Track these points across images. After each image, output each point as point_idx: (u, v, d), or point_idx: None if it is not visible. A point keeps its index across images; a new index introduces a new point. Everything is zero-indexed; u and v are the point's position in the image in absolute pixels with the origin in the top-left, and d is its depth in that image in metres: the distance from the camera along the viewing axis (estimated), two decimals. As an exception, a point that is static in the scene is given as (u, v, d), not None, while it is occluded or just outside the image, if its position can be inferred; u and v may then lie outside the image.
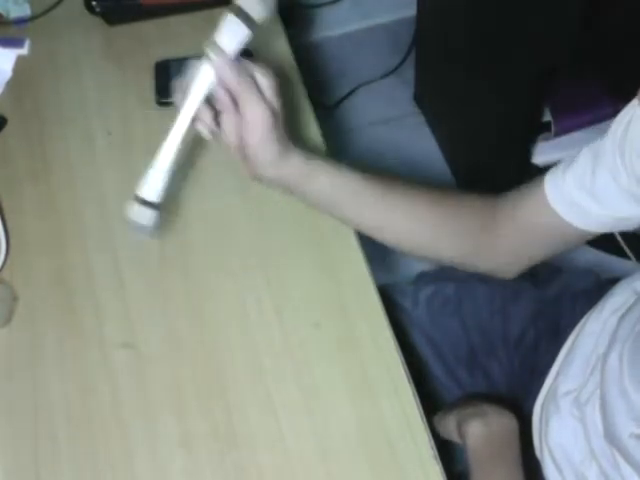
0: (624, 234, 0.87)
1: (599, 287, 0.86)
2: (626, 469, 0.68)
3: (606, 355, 0.74)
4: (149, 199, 0.68)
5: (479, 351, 0.95)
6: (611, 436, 0.70)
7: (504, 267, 0.78)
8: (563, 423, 0.77)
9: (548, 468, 0.78)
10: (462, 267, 0.80)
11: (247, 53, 0.92)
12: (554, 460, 0.77)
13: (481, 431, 0.76)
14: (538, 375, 0.84)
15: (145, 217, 0.68)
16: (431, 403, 0.87)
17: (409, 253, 0.78)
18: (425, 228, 0.75)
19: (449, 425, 0.81)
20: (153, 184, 0.68)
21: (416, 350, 0.94)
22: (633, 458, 0.67)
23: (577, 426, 0.75)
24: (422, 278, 1.01)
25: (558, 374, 0.81)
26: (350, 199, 0.73)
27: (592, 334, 0.79)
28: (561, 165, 0.70)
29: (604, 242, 0.88)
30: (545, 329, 0.90)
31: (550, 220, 0.70)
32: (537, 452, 0.81)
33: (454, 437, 0.81)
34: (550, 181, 0.70)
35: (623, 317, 0.76)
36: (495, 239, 0.75)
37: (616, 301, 0.79)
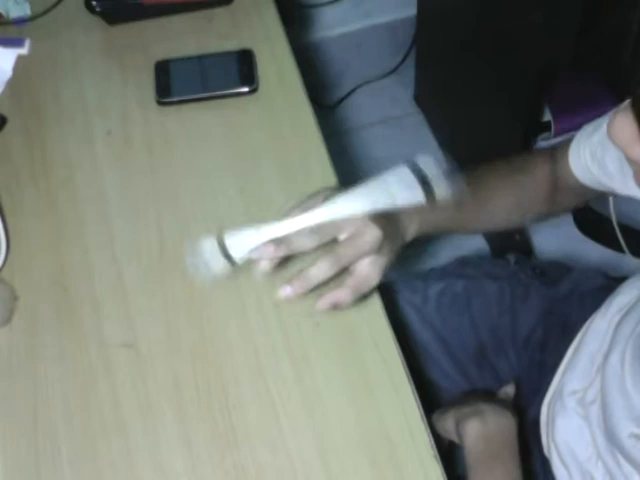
0: (624, 233, 0.87)
1: (608, 286, 0.86)
2: (627, 468, 0.68)
3: (607, 355, 0.74)
4: (234, 254, 0.63)
5: (488, 348, 0.95)
6: (611, 435, 0.70)
7: (578, 204, 0.88)
8: (569, 422, 0.77)
9: (555, 466, 0.78)
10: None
11: (247, 53, 0.92)
12: (561, 458, 0.77)
13: (479, 430, 0.76)
14: (546, 373, 0.84)
15: (218, 265, 0.63)
16: (432, 402, 0.87)
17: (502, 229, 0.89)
18: (515, 209, 0.84)
19: (447, 424, 0.81)
20: (246, 245, 0.63)
21: (424, 346, 0.94)
22: (632, 457, 0.67)
23: (582, 425, 0.75)
24: (431, 274, 1.02)
25: (565, 373, 0.81)
26: (456, 222, 0.81)
27: (598, 333, 0.79)
28: (586, 131, 0.79)
29: (614, 240, 0.90)
30: (554, 327, 0.91)
31: (575, 180, 0.80)
32: (545, 450, 0.81)
33: (452, 436, 0.81)
34: (574, 152, 0.79)
35: (624, 317, 0.76)
36: (560, 194, 0.83)
37: (622, 300, 0.79)
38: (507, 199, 0.83)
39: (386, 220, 0.67)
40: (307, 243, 0.63)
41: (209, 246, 0.63)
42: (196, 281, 0.67)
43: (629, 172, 0.52)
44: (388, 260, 0.67)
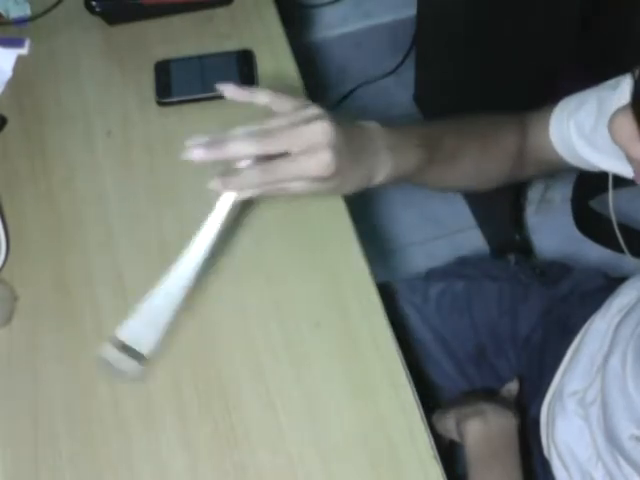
0: (624, 233, 0.87)
1: (608, 286, 0.87)
2: (627, 469, 0.68)
3: (607, 356, 0.74)
4: (138, 348, 0.61)
5: (488, 349, 0.95)
6: (611, 437, 0.70)
7: (540, 173, 0.85)
8: (569, 422, 0.77)
9: (555, 466, 0.78)
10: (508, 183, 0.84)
11: (247, 53, 0.92)
12: (561, 459, 0.77)
13: (480, 430, 0.76)
14: (546, 374, 0.85)
15: (130, 367, 0.61)
16: (432, 402, 0.87)
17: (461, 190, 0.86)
18: (473, 162, 0.78)
19: (448, 423, 0.81)
20: (144, 334, 0.61)
21: (425, 346, 0.94)
22: (633, 459, 0.67)
23: (583, 426, 0.75)
24: (432, 274, 1.02)
25: (565, 373, 0.81)
26: (428, 171, 0.72)
27: (598, 334, 0.79)
28: (568, 106, 0.76)
29: (614, 240, 0.89)
30: (554, 328, 0.91)
31: (552, 152, 0.78)
32: (545, 451, 0.81)
33: (453, 435, 0.81)
34: (555, 124, 0.76)
35: (624, 318, 0.76)
36: (527, 153, 0.80)
37: (622, 301, 0.79)
38: (470, 162, 0.77)
39: (353, 149, 0.60)
40: (246, 148, 0.57)
41: (111, 354, 0.62)
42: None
43: (620, 151, 0.52)
44: (330, 191, 0.61)
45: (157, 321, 0.61)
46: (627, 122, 0.48)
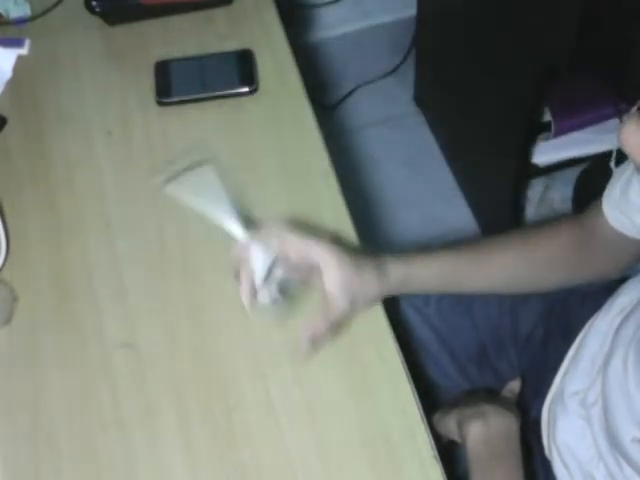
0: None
1: (609, 287, 0.86)
2: (628, 470, 0.68)
3: (608, 358, 0.74)
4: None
5: (489, 349, 0.95)
6: (613, 439, 0.70)
7: (611, 271, 0.83)
8: (570, 423, 0.77)
9: (557, 467, 0.78)
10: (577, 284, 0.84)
11: (247, 53, 0.92)
12: (562, 459, 0.77)
13: (481, 431, 0.76)
14: (547, 374, 0.84)
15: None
16: (433, 402, 0.87)
17: (524, 293, 0.85)
18: (525, 271, 0.80)
19: (449, 424, 0.81)
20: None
21: (425, 346, 0.94)
22: (635, 462, 0.67)
23: (584, 426, 0.75)
24: None
25: (565, 374, 0.81)
26: (451, 279, 0.78)
27: (599, 334, 0.79)
28: (617, 176, 0.75)
29: None
30: (554, 329, 0.91)
31: (614, 234, 0.76)
32: (546, 451, 0.81)
33: (454, 436, 0.81)
34: (606, 198, 0.76)
35: (625, 319, 0.76)
36: (590, 253, 0.80)
37: (622, 301, 0.79)
38: (513, 256, 0.79)
39: (357, 265, 0.69)
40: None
41: (271, 293, 0.68)
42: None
43: None
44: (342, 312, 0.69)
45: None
46: (635, 130, 0.49)
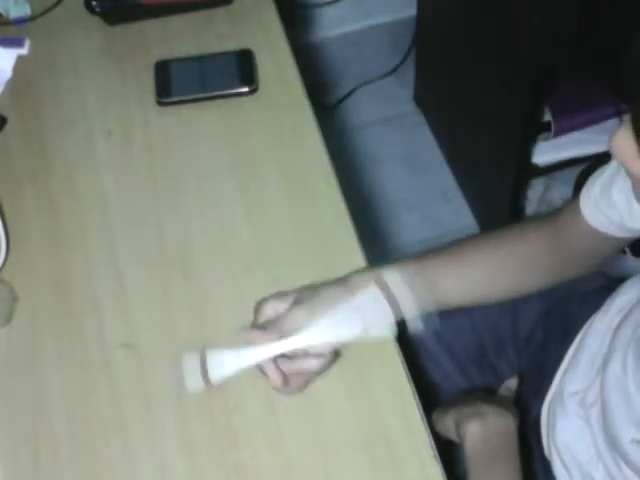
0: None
1: (608, 286, 0.86)
2: (627, 471, 0.68)
3: (607, 358, 0.74)
4: (211, 376, 0.65)
5: (488, 349, 0.95)
6: (612, 440, 0.70)
7: (589, 267, 0.84)
8: (569, 423, 0.77)
9: (556, 467, 0.78)
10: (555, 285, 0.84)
11: (247, 53, 0.92)
12: (561, 459, 0.77)
13: (479, 431, 0.76)
14: (546, 374, 0.84)
15: (194, 382, 0.65)
16: (432, 402, 0.87)
17: (505, 299, 0.83)
18: (502, 275, 0.79)
19: (447, 424, 0.81)
20: (225, 369, 0.65)
21: (425, 346, 0.94)
22: (634, 463, 0.67)
23: (583, 426, 0.75)
24: None
25: (565, 374, 0.81)
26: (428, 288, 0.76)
27: (598, 334, 0.79)
28: (596, 174, 0.75)
29: None
30: (554, 328, 0.91)
31: (590, 232, 0.76)
32: (545, 451, 0.81)
33: (452, 436, 0.81)
34: (584, 196, 0.76)
35: (624, 319, 0.76)
36: (566, 253, 0.79)
37: (621, 301, 0.79)
38: (488, 263, 0.78)
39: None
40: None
41: (190, 363, 0.64)
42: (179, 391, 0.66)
43: (633, 201, 0.54)
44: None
45: (240, 364, 0.65)
46: (627, 139, 0.49)
